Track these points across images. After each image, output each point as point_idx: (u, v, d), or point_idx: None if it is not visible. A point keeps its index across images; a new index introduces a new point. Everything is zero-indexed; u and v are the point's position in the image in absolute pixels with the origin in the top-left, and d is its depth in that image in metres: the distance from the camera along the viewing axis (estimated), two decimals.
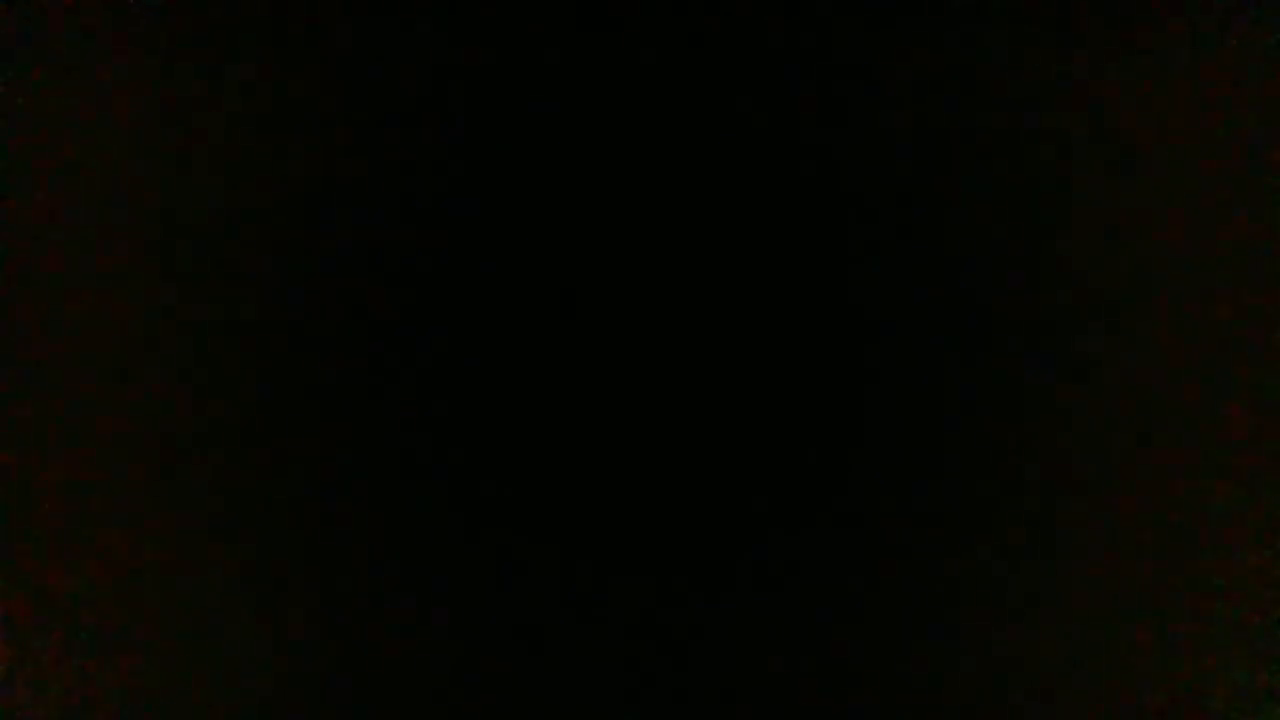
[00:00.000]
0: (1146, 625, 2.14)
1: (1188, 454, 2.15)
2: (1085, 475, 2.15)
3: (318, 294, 2.16)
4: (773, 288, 2.17)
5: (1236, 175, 2.17)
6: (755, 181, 2.17)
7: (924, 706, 2.14)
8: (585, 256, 2.17)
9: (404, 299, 2.17)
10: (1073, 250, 2.17)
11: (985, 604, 2.14)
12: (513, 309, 2.17)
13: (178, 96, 2.17)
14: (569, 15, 2.17)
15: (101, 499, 2.14)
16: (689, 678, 2.15)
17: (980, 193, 2.17)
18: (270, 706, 2.14)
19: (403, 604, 2.15)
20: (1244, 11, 2.16)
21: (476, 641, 2.15)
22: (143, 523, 2.14)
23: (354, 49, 2.17)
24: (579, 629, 2.15)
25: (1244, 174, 2.17)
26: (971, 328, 2.16)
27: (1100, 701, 2.14)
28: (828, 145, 2.17)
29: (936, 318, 2.16)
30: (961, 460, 2.15)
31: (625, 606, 2.15)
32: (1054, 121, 2.17)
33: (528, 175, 2.18)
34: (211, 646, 2.14)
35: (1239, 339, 2.16)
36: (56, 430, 2.14)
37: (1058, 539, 2.15)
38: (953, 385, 2.16)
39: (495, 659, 2.15)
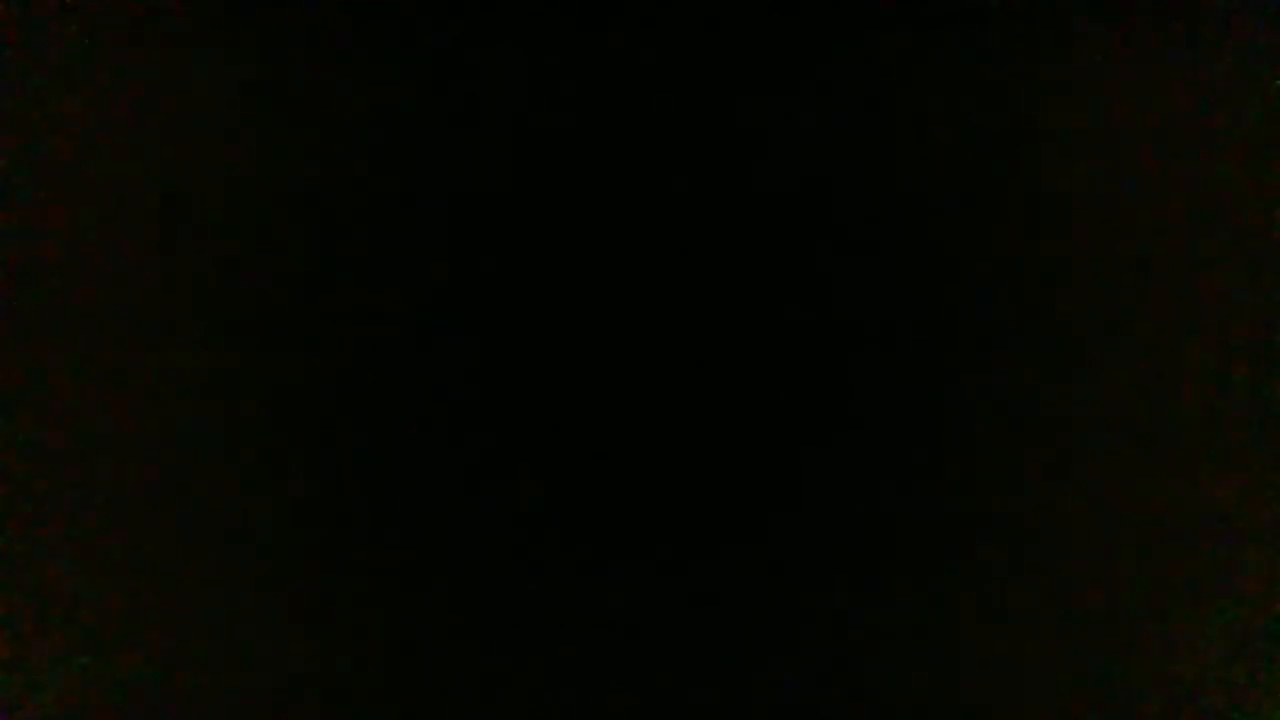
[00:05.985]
0: (1146, 625, 2.14)
1: (1188, 454, 2.15)
2: (1084, 474, 2.15)
3: (319, 293, 2.16)
4: (774, 288, 2.17)
5: (1236, 175, 2.17)
6: (751, 181, 2.17)
7: (922, 706, 2.14)
8: (579, 256, 2.17)
9: (400, 298, 2.17)
10: (1071, 250, 2.17)
11: (983, 604, 2.14)
12: (511, 309, 2.17)
13: (178, 96, 2.17)
14: (569, 15, 2.17)
15: (102, 499, 2.14)
16: (685, 678, 2.15)
17: (978, 192, 2.17)
18: (271, 706, 2.14)
19: (400, 604, 2.15)
20: (1244, 12, 2.16)
21: (474, 640, 2.15)
22: (144, 522, 2.14)
23: (354, 48, 2.17)
24: (578, 630, 2.15)
25: (1244, 174, 2.17)
26: (969, 328, 2.16)
27: (1101, 701, 2.14)
28: (825, 145, 2.17)
29: (935, 318, 2.16)
30: (960, 459, 2.15)
31: (622, 608, 2.15)
32: (1053, 121, 2.17)
33: (527, 175, 2.18)
34: (212, 646, 2.14)
35: (1239, 339, 2.16)
36: (56, 430, 2.14)
37: (1056, 538, 2.14)
38: (951, 384, 2.16)
39: (495, 659, 2.15)
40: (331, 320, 2.16)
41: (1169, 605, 2.14)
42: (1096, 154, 2.17)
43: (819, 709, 2.14)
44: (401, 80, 2.17)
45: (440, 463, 2.15)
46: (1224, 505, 2.14)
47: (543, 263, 2.17)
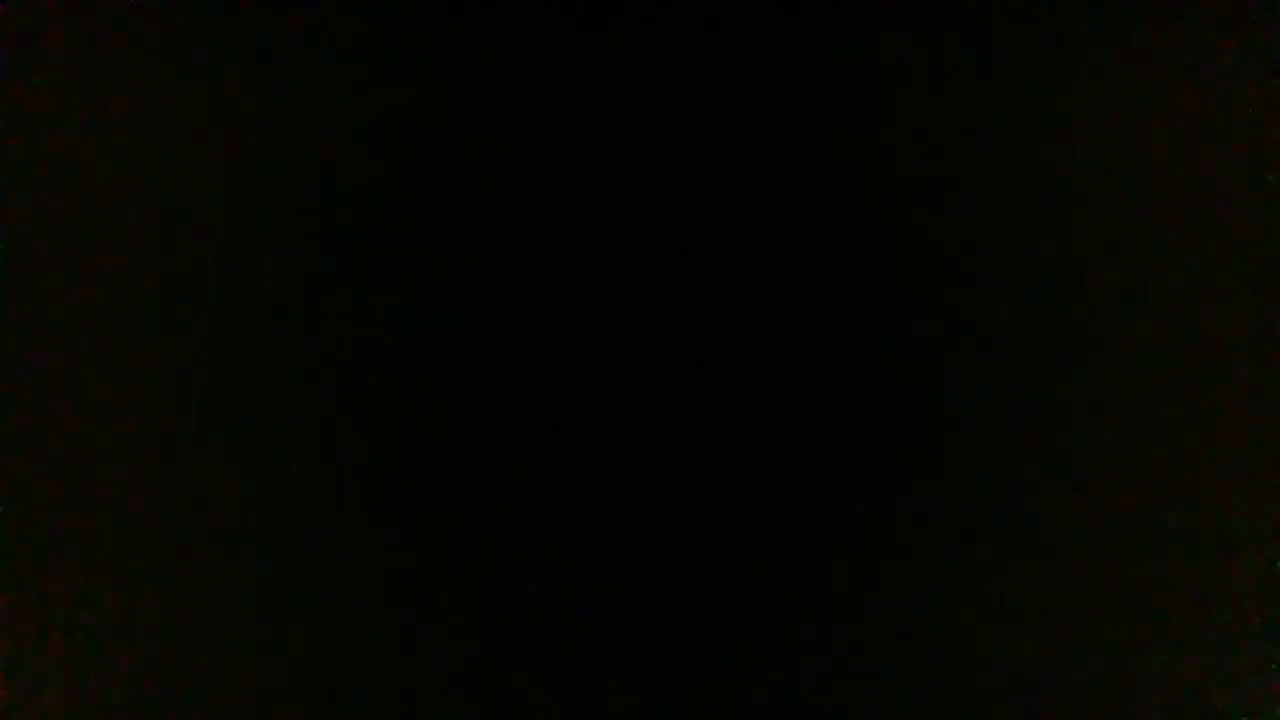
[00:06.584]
0: (1146, 625, 2.14)
1: (1188, 454, 2.15)
2: (1086, 475, 2.15)
3: (318, 294, 2.16)
4: (775, 289, 2.17)
5: (1236, 175, 2.17)
6: (752, 182, 2.17)
7: (923, 706, 2.14)
8: (582, 258, 2.17)
9: (401, 299, 2.17)
10: (1071, 251, 2.17)
11: (986, 605, 2.14)
12: (511, 310, 2.17)
13: (178, 96, 2.17)
14: (570, 16, 2.17)
15: (102, 499, 2.14)
16: (684, 681, 2.15)
17: (979, 193, 2.17)
18: (271, 706, 2.14)
19: (400, 604, 2.15)
20: (1244, 12, 2.16)
21: (474, 641, 2.15)
22: (143, 522, 2.14)
23: (354, 49, 2.18)
24: (577, 630, 2.15)
25: (1244, 174, 2.17)
26: (969, 329, 2.16)
27: (1100, 701, 2.14)
28: (826, 146, 2.17)
29: (934, 319, 2.16)
30: (960, 461, 2.15)
31: (621, 608, 2.15)
32: (1053, 122, 2.17)
33: (527, 176, 2.18)
34: (212, 646, 2.14)
35: (1239, 339, 2.16)
36: (56, 430, 2.15)
37: (1058, 540, 2.15)
38: (951, 386, 2.16)
39: (494, 659, 2.15)
40: (332, 321, 2.16)
41: (1169, 605, 2.14)
42: (1097, 155, 2.17)
43: (819, 709, 2.14)
44: (401, 80, 2.17)
45: (441, 464, 2.15)
46: (1224, 505, 2.15)
47: (544, 263, 2.17)
